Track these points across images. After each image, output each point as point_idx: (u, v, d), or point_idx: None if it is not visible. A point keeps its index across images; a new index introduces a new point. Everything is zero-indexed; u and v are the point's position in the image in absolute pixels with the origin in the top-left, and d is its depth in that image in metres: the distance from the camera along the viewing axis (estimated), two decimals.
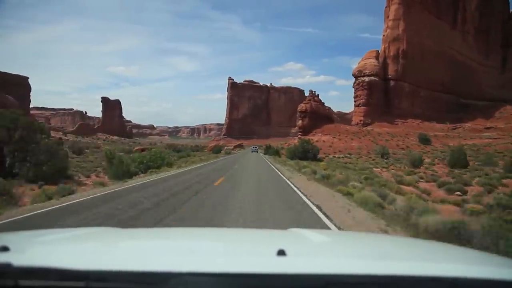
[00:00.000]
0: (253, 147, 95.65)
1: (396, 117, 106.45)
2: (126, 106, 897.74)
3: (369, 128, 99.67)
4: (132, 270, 1.00)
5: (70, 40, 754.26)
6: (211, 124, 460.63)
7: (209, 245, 1.69)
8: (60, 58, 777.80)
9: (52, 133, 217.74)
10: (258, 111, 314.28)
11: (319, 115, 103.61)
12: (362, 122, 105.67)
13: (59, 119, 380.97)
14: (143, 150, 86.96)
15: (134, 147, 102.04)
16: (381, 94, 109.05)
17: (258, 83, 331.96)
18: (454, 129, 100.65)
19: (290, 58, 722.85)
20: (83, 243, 1.66)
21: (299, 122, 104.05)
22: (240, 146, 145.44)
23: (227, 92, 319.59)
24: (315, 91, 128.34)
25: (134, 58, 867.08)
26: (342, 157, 59.24)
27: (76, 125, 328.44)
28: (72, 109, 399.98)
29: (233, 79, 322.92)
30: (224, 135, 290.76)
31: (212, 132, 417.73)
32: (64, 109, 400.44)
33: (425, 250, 1.65)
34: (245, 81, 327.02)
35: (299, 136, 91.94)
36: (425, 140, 76.09)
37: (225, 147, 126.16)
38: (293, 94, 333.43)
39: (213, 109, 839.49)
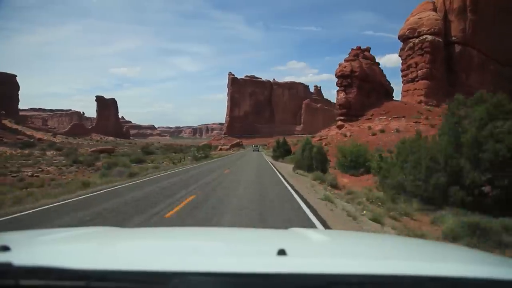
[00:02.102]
0: (254, 146, 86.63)
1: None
2: (129, 107, 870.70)
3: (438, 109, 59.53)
4: (133, 270, 0.96)
5: (73, 42, 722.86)
6: (213, 123, 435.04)
7: (210, 245, 1.63)
8: (64, 60, 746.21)
9: (41, 135, 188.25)
10: (260, 108, 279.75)
11: (375, 84, 58.58)
12: (422, 103, 63.97)
13: (56, 120, 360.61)
14: (102, 152, 55.34)
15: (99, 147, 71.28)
16: (443, 64, 68.61)
17: (260, 78, 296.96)
18: None
19: (293, 56, 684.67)
20: (84, 242, 1.59)
21: (340, 96, 58.16)
22: (238, 145, 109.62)
23: (227, 88, 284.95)
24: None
25: (137, 59, 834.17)
26: None
27: (69, 126, 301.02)
28: (70, 109, 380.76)
29: (233, 75, 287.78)
30: (225, 134, 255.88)
31: (215, 132, 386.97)
32: (62, 110, 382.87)
33: (425, 249, 1.60)
34: (246, 76, 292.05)
35: (339, 122, 55.31)
36: None
37: (219, 147, 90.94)
38: (298, 90, 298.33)
39: (216, 109, 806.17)
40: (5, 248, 1.07)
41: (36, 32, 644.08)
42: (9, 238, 1.54)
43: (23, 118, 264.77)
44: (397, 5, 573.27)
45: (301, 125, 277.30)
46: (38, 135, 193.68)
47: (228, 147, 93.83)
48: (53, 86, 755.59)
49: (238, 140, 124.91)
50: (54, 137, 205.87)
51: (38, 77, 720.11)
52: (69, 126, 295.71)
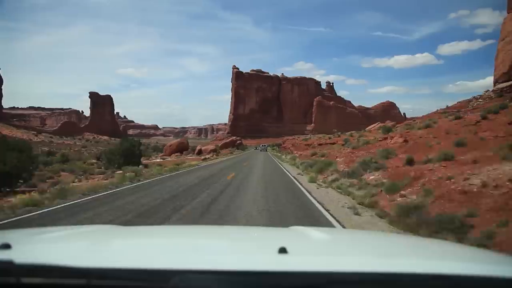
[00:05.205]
0: (262, 145, 75.31)
1: None
2: (136, 108, 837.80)
3: None
4: (134, 268, 0.93)
5: (81, 42, 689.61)
6: (219, 124, 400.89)
7: (211, 243, 1.58)
8: (71, 60, 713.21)
9: (21, 133, 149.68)
10: (267, 106, 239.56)
11: None
12: None
13: (54, 119, 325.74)
14: None
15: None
16: None
17: (268, 72, 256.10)
18: None
19: (300, 57, 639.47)
20: (84, 240, 1.54)
21: None
22: (232, 145, 69.22)
23: (231, 84, 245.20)
24: None
25: (144, 60, 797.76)
26: None
27: (59, 124, 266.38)
28: (70, 108, 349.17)
29: (238, 68, 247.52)
30: (228, 133, 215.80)
31: (220, 132, 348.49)
32: (61, 109, 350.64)
33: (426, 247, 1.56)
34: (252, 70, 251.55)
35: None
36: None
37: (197, 148, 50.88)
38: (308, 86, 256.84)
39: (222, 110, 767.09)
40: (6, 246, 1.04)
41: (45, 33, 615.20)
42: (10, 236, 1.50)
43: (9, 115, 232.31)
44: (406, 6, 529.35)
45: (312, 124, 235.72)
46: (18, 133, 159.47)
47: (213, 147, 53.14)
48: (61, 86, 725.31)
49: (232, 138, 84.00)
50: (36, 136, 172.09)
51: (45, 77, 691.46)
52: (59, 125, 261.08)
